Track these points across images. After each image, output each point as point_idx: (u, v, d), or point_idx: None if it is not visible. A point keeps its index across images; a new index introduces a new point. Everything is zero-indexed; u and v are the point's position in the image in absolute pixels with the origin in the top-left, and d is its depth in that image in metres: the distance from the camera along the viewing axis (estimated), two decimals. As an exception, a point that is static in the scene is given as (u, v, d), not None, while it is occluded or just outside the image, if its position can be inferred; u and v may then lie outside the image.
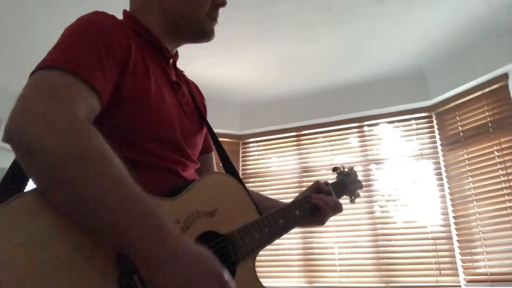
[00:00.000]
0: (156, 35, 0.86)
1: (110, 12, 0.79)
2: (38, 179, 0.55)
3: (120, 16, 0.87)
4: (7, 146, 0.56)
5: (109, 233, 0.55)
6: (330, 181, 1.14)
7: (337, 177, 1.22)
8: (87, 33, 0.69)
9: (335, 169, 1.24)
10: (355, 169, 1.29)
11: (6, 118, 0.57)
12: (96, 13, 0.75)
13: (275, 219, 0.88)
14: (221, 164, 0.99)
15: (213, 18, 0.92)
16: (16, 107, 0.57)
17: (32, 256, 0.51)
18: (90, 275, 0.55)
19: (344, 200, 1.15)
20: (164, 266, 0.55)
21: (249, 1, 2.29)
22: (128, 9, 0.91)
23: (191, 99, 0.95)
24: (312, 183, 1.11)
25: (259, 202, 0.92)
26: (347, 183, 1.20)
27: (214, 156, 1.07)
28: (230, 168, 0.97)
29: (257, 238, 0.82)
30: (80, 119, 0.58)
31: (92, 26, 0.71)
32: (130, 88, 0.72)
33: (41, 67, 0.63)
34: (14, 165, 0.66)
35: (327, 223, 1.05)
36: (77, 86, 0.62)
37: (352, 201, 1.24)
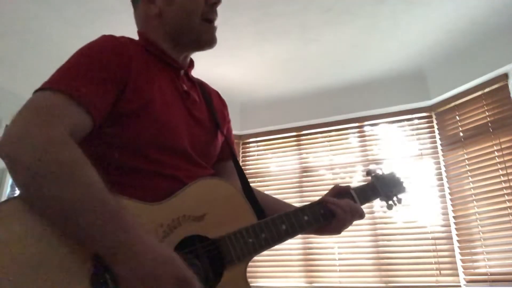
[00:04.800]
0: (164, 48, 0.90)
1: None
2: (19, 187, 0.62)
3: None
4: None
5: (79, 233, 0.61)
6: (353, 186, 1.05)
7: (371, 180, 1.12)
8: (86, 56, 0.76)
9: (368, 172, 1.14)
10: (393, 173, 1.19)
11: (5, 118, 0.59)
12: (102, 37, 0.81)
13: (275, 225, 0.85)
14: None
15: (210, 22, 0.93)
16: (10, 124, 0.64)
17: (10, 253, 0.57)
18: (66, 273, 0.59)
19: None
20: (125, 265, 0.60)
21: (249, 1, 2.29)
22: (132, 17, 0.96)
23: (205, 108, 0.95)
24: (333, 186, 1.04)
25: (267, 206, 0.91)
26: (377, 187, 1.10)
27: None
28: (242, 177, 0.96)
29: (251, 243, 0.80)
30: (58, 133, 0.64)
31: (92, 50, 0.77)
32: (133, 100, 0.77)
33: (41, 88, 0.70)
34: None
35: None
36: (64, 104, 0.68)
37: (389, 207, 1.11)
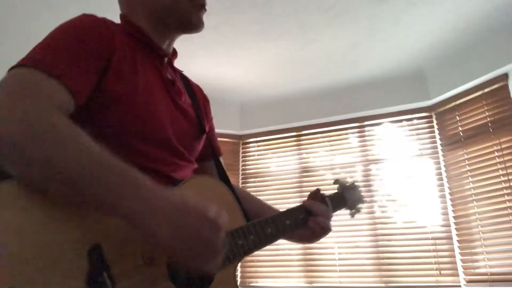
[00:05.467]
0: (148, 33, 0.85)
1: (106, 10, 0.79)
2: (13, 166, 0.55)
3: (116, 15, 0.87)
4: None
5: (94, 199, 0.57)
6: (328, 192, 1.10)
7: (337, 189, 1.18)
8: (67, 34, 0.70)
9: (336, 181, 1.19)
10: (357, 182, 1.25)
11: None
12: (82, 15, 0.76)
13: (262, 227, 0.85)
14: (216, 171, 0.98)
15: (199, 6, 0.89)
16: None
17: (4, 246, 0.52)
18: (60, 271, 0.55)
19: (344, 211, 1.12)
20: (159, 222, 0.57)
21: (249, 1, 2.29)
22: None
23: (188, 99, 0.93)
24: (311, 192, 1.07)
25: (251, 209, 0.90)
26: (346, 197, 1.15)
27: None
28: (223, 176, 0.94)
29: (240, 245, 0.79)
30: (43, 104, 0.59)
31: (73, 28, 0.72)
32: (115, 86, 0.72)
33: (18, 64, 0.64)
34: None
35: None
36: (43, 81, 0.63)
37: (352, 215, 1.18)
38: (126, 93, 0.74)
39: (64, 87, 0.64)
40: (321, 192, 1.07)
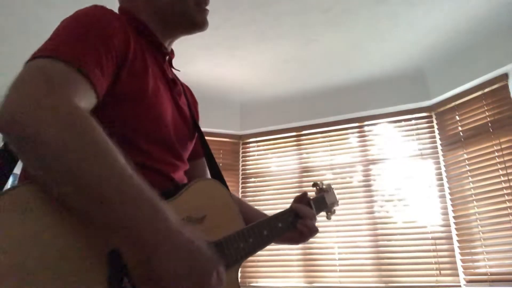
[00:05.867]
0: (153, 31, 0.85)
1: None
2: (39, 169, 0.52)
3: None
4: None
5: (108, 218, 0.54)
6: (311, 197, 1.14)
7: (316, 192, 1.23)
8: (86, 27, 0.67)
9: (314, 185, 1.24)
10: (330, 184, 1.31)
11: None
12: (95, 7, 0.73)
13: (259, 230, 0.86)
14: (209, 171, 0.98)
15: (204, 6, 0.90)
16: (14, 95, 0.53)
17: (21, 254, 0.50)
18: (79, 276, 0.54)
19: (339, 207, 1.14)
20: (165, 257, 0.55)
21: (249, 1, 2.29)
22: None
23: (185, 101, 0.94)
24: (296, 196, 1.11)
25: (243, 212, 0.91)
26: (325, 200, 1.20)
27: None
28: (218, 176, 0.94)
29: (242, 248, 0.79)
30: (82, 111, 0.56)
31: (91, 20, 0.68)
32: (127, 84, 0.71)
33: (40, 55, 0.60)
34: (5, 148, 0.63)
35: (327, 223, 1.04)
36: (77, 79, 0.60)
37: (328, 217, 1.24)
38: (138, 92, 0.73)
39: (90, 84, 0.61)
40: (308, 196, 1.11)
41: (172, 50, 0.95)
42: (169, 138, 0.81)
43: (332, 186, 1.30)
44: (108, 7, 0.76)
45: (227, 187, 0.88)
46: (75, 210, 0.54)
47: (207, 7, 0.91)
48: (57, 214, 0.54)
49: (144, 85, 0.74)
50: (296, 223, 0.99)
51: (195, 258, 0.58)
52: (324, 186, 1.25)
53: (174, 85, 0.88)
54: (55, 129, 0.51)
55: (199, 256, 0.58)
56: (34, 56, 0.60)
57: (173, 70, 0.96)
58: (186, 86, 1.05)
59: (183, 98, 0.93)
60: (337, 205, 1.28)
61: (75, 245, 0.54)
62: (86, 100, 0.61)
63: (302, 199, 1.09)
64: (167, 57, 0.90)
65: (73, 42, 0.63)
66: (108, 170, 0.53)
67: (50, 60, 0.59)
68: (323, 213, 1.21)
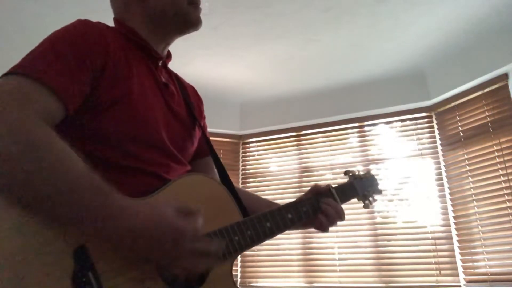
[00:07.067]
0: (144, 36, 0.87)
1: (107, 10, 0.80)
2: None
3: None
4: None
5: (65, 214, 0.59)
6: (333, 185, 1.06)
7: (348, 179, 1.14)
8: (59, 42, 0.71)
9: (346, 173, 1.16)
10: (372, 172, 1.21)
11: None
12: (76, 22, 0.76)
13: (260, 222, 0.84)
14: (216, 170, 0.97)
15: (196, 6, 0.91)
16: None
17: None
18: (45, 271, 0.57)
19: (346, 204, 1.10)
20: (117, 228, 0.60)
21: (249, 1, 2.29)
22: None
23: (183, 101, 0.94)
24: (312, 186, 1.04)
25: (249, 204, 0.90)
26: (355, 186, 1.11)
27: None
28: (223, 174, 0.94)
29: (237, 241, 0.78)
30: (30, 117, 0.60)
31: (65, 35, 0.73)
32: (109, 92, 0.73)
33: (8, 72, 0.66)
34: None
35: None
36: (33, 89, 0.63)
37: (365, 206, 1.14)
38: (121, 97, 0.75)
39: (55, 96, 0.65)
40: (327, 184, 1.04)
41: (169, 54, 0.97)
42: (160, 140, 0.81)
43: (373, 173, 1.20)
44: (104, 6, 0.76)
45: (232, 185, 0.87)
46: (31, 210, 0.58)
47: (202, 8, 0.93)
48: (15, 216, 0.57)
49: (128, 90, 0.76)
50: (316, 212, 0.94)
51: (156, 228, 0.62)
52: (359, 173, 1.15)
53: (166, 88, 0.89)
54: (7, 139, 0.56)
55: (159, 226, 0.62)
56: (7, 72, 0.66)
57: (170, 72, 0.97)
58: (190, 86, 1.06)
59: (180, 99, 0.93)
60: (379, 192, 1.17)
61: (37, 240, 0.58)
62: (50, 111, 0.65)
63: (320, 190, 1.01)
64: (161, 62, 0.91)
65: (43, 58, 0.68)
66: (55, 171, 0.58)
67: (15, 76, 0.65)
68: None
